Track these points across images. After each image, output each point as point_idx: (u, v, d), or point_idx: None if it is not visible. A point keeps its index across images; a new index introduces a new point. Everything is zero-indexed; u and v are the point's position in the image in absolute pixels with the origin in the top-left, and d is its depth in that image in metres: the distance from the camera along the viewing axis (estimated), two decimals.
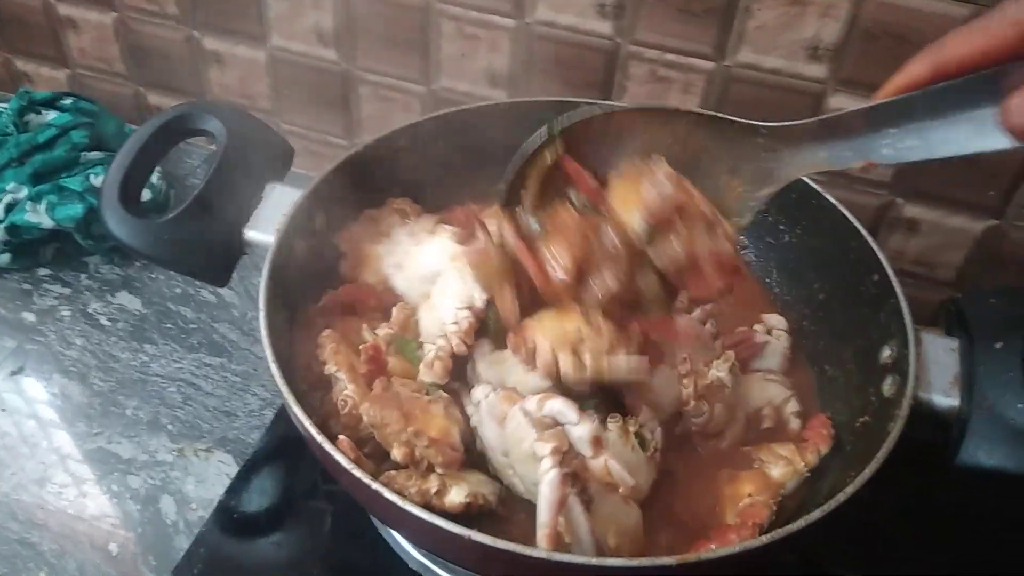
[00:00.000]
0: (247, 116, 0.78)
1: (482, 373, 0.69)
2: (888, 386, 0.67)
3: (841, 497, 0.55)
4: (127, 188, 0.72)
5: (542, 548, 0.55)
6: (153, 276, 1.09)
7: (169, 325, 1.03)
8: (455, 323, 0.67)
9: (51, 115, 1.15)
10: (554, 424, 0.60)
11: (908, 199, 0.99)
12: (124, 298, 1.06)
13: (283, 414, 0.93)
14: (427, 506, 0.59)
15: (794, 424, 0.74)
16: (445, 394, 0.67)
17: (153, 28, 1.18)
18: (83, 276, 1.09)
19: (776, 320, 0.83)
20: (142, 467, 0.89)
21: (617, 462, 0.60)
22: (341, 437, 0.61)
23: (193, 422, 0.93)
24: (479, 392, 0.66)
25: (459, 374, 0.70)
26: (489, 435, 0.64)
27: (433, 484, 0.60)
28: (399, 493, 0.56)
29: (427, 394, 0.65)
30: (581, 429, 0.59)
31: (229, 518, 0.84)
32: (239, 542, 0.82)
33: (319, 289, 0.77)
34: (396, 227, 0.79)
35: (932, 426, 0.64)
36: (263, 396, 0.96)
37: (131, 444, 0.91)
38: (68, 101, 1.17)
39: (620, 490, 0.59)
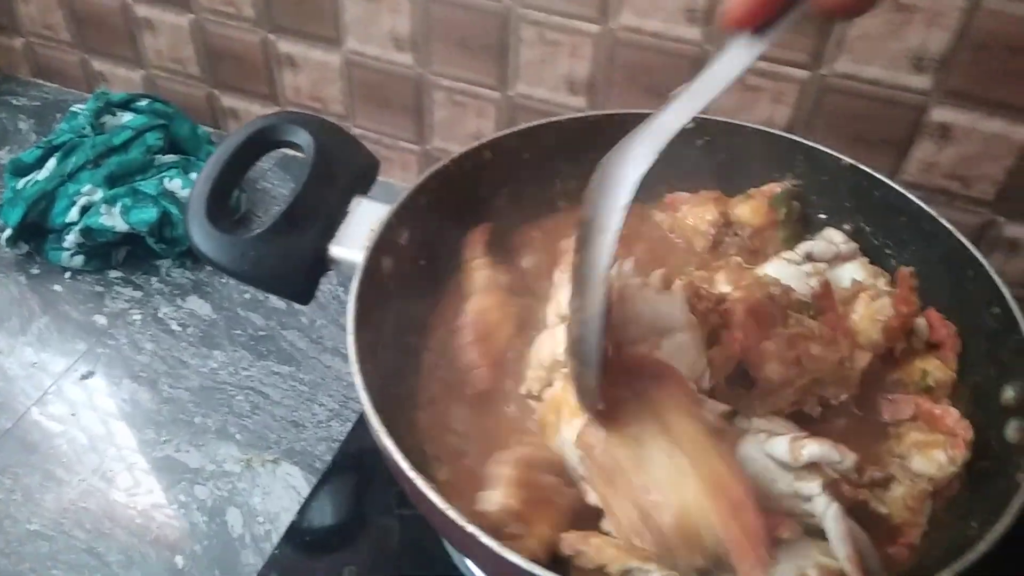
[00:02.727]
0: (335, 128, 0.75)
1: None
2: (1012, 431, 0.61)
3: (972, 556, 0.50)
4: (214, 201, 0.70)
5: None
6: (223, 281, 1.08)
7: (238, 331, 1.02)
8: None
9: (126, 117, 1.15)
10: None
11: (1012, 219, 0.93)
12: (194, 303, 1.05)
13: (357, 432, 0.90)
14: None
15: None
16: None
17: (228, 30, 1.18)
18: (154, 279, 1.08)
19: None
20: (209, 477, 0.87)
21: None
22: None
23: (261, 432, 0.91)
24: None
25: None
26: None
27: None
28: None
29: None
30: (849, 461, 0.57)
31: (301, 537, 0.81)
32: (309, 560, 0.80)
33: (405, 307, 0.74)
34: None
35: None
36: (330, 407, 0.94)
37: (199, 453, 0.89)
38: (144, 103, 1.17)
39: None
